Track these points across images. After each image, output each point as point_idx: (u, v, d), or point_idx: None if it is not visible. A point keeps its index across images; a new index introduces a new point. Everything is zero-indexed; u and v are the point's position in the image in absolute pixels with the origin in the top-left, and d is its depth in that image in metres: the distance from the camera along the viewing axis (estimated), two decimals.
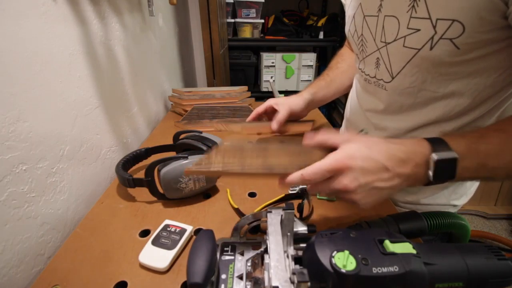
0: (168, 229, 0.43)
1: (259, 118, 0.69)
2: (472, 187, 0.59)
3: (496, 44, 0.38)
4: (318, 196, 0.53)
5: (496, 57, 0.40)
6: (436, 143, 0.35)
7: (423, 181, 0.36)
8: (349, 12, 0.56)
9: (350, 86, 0.73)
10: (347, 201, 0.35)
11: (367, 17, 0.50)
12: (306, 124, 0.71)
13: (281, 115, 0.63)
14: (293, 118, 0.68)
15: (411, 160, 0.34)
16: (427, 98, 0.47)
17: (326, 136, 0.36)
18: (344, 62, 0.75)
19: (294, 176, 0.34)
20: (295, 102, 0.67)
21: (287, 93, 1.01)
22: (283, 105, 0.65)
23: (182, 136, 0.62)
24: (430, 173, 0.34)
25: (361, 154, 0.34)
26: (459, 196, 0.58)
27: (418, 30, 0.41)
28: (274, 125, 0.62)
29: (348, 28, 0.57)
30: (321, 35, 1.85)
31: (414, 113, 0.50)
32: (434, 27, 0.39)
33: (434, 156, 0.34)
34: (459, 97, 0.45)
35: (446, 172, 0.34)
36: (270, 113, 0.68)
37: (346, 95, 0.77)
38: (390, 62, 0.48)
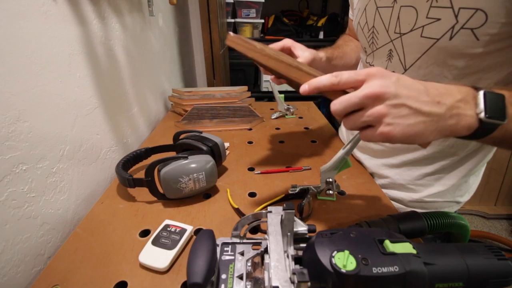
0: (168, 229, 0.43)
1: None
2: (474, 184, 0.59)
3: None
4: (318, 197, 0.53)
5: None
6: (478, 87, 0.33)
7: (470, 122, 0.31)
8: (359, 4, 0.56)
9: (354, 66, 0.72)
10: (372, 120, 0.31)
11: (381, 8, 0.50)
12: None
13: (306, 59, 0.55)
14: None
15: (454, 93, 0.31)
16: None
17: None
18: (351, 42, 0.75)
19: (325, 76, 0.32)
20: (317, 56, 0.59)
21: (287, 93, 1.01)
22: (303, 52, 0.56)
23: (182, 136, 0.62)
24: (482, 106, 0.30)
25: (398, 74, 0.32)
26: (463, 193, 0.58)
27: (439, 19, 0.41)
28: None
29: (358, 20, 0.56)
30: (321, 35, 1.85)
31: None
32: (456, 16, 0.39)
33: (481, 92, 0.31)
34: None
35: (497, 109, 0.30)
36: (286, 53, 0.58)
37: None
38: (404, 54, 0.48)
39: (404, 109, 0.30)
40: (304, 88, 0.34)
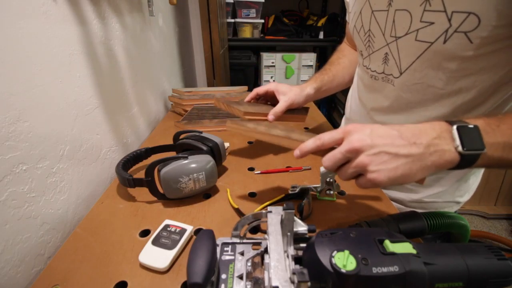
0: (168, 229, 0.43)
1: (257, 98, 0.69)
2: (474, 184, 0.59)
3: (509, 40, 0.38)
4: (318, 197, 0.53)
5: (506, 53, 0.40)
6: (452, 120, 0.34)
7: (452, 156, 0.33)
8: (354, 8, 0.56)
9: (349, 82, 0.73)
10: (359, 170, 0.34)
11: (376, 12, 0.50)
12: (301, 116, 0.69)
13: (279, 109, 0.61)
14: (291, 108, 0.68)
15: (428, 132, 0.33)
16: (434, 95, 0.47)
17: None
18: (345, 57, 0.75)
19: (310, 141, 0.37)
20: (297, 97, 0.65)
21: None
22: (284, 97, 0.63)
23: (182, 136, 0.62)
24: (457, 142, 0.32)
25: (371, 125, 0.35)
26: (463, 193, 0.58)
27: (432, 23, 0.41)
28: (271, 116, 0.61)
29: (354, 24, 0.56)
30: (321, 35, 1.85)
31: (420, 110, 0.50)
32: (449, 19, 0.39)
33: (454, 126, 0.33)
34: (465, 94, 0.45)
35: (473, 141, 0.32)
36: (270, 97, 0.68)
37: (346, 95, 0.77)
38: (399, 57, 0.48)
39: (384, 155, 0.33)
40: (296, 154, 0.39)
